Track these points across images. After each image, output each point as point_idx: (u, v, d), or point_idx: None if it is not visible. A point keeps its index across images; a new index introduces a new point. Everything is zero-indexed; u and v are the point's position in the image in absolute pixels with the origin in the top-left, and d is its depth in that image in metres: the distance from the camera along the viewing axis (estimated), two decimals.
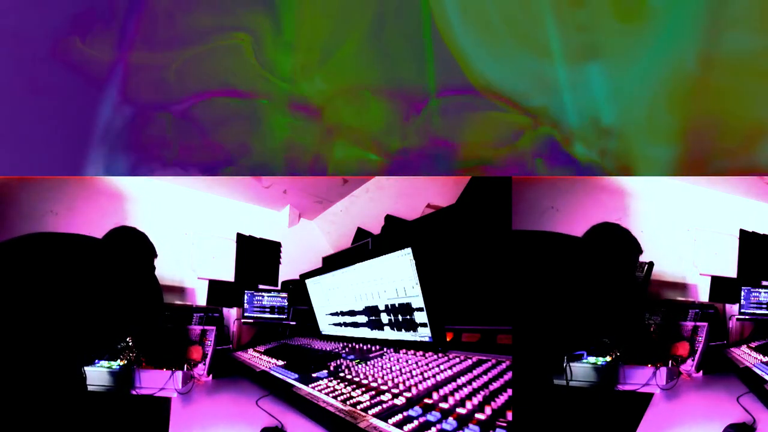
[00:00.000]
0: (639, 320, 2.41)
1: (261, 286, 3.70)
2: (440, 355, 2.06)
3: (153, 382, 2.59)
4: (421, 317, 2.25)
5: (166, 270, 2.89)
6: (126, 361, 2.59)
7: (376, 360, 2.17)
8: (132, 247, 2.08)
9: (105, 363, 2.57)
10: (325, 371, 2.07)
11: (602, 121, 1.96)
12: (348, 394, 1.64)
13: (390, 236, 3.31)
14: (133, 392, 2.56)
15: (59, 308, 1.72)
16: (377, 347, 2.51)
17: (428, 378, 1.66)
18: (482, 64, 1.99)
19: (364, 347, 2.59)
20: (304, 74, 2.04)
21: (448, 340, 2.25)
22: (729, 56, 1.93)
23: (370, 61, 2.06)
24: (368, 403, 1.50)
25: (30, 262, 1.78)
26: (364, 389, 1.67)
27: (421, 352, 2.16)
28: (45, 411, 1.74)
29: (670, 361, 2.42)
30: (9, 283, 1.72)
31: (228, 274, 3.59)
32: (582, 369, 2.35)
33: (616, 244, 1.90)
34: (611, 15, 1.94)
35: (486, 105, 2.01)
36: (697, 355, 2.47)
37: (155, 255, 2.13)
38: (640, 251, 1.93)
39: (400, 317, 2.40)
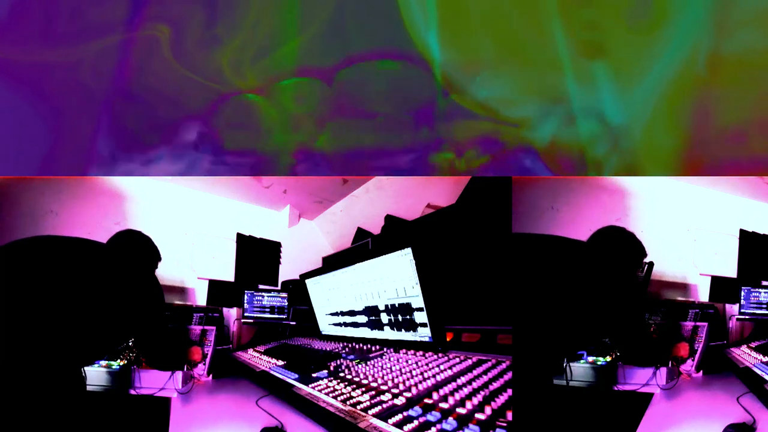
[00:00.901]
0: (639, 321, 2.41)
1: (261, 286, 3.70)
2: (440, 355, 2.06)
3: (153, 382, 2.59)
4: (421, 317, 2.25)
5: (166, 270, 2.89)
6: (126, 361, 2.59)
7: (376, 360, 2.17)
8: (136, 252, 2.08)
9: (105, 363, 2.57)
10: (325, 371, 2.06)
11: (607, 121, 1.95)
12: (348, 394, 1.64)
13: (390, 236, 3.31)
14: (133, 392, 2.56)
15: (62, 311, 1.72)
16: (377, 347, 2.51)
17: (428, 378, 1.66)
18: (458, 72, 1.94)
19: (364, 347, 2.59)
20: (234, 72, 1.90)
21: (448, 340, 2.25)
22: (736, 57, 1.92)
23: (323, 61, 1.93)
24: (368, 403, 1.50)
25: (35, 265, 1.79)
26: (364, 389, 1.67)
27: (421, 352, 2.16)
28: (45, 410, 1.74)
29: (670, 361, 2.42)
30: (14, 285, 1.72)
31: (228, 274, 3.59)
32: (582, 369, 2.35)
33: (620, 247, 1.90)
34: (618, 16, 1.92)
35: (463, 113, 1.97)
36: (697, 355, 2.47)
37: (159, 259, 2.13)
38: (645, 254, 1.93)
39: (399, 317, 2.40)
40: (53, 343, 1.70)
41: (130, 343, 2.61)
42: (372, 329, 2.68)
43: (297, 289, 3.61)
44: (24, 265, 1.78)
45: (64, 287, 1.75)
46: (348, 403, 1.54)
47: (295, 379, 2.02)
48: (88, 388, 2.46)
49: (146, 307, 2.00)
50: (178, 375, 2.62)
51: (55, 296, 1.72)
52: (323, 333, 3.36)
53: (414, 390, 1.55)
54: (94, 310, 1.77)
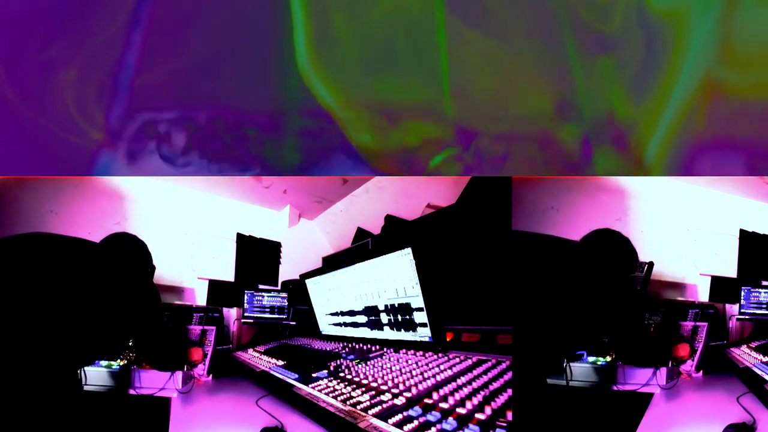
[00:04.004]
0: (637, 322, 2.41)
1: (261, 286, 3.70)
2: (440, 355, 2.06)
3: (153, 382, 2.59)
4: (420, 317, 2.25)
5: (165, 270, 2.89)
6: (126, 361, 2.59)
7: (376, 360, 2.17)
8: (126, 254, 2.07)
9: (105, 363, 2.57)
10: (325, 371, 2.06)
11: (613, 119, 1.93)
12: (348, 394, 1.64)
13: (390, 236, 3.31)
14: (133, 392, 2.56)
15: (49, 310, 1.71)
16: (377, 347, 2.51)
17: (428, 378, 1.66)
18: None
19: (364, 347, 2.59)
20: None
21: (448, 340, 2.25)
22: (746, 57, 1.92)
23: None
24: (368, 403, 1.50)
25: (22, 261, 1.77)
26: (364, 389, 1.67)
27: (421, 352, 2.16)
28: (36, 411, 1.73)
29: (670, 361, 2.42)
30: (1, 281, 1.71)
31: (228, 274, 3.59)
32: (582, 369, 2.35)
33: (609, 249, 1.91)
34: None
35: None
36: (697, 355, 2.47)
37: (149, 260, 2.12)
38: (636, 257, 1.93)
39: (399, 317, 2.40)
40: (39, 341, 1.69)
41: (131, 343, 2.61)
42: (372, 329, 2.68)
43: (297, 289, 3.61)
44: (10, 261, 1.76)
45: (51, 284, 1.74)
46: (348, 403, 1.54)
47: (295, 379, 2.02)
48: (89, 388, 2.47)
49: (138, 309, 1.99)
50: (178, 375, 2.62)
51: (42, 293, 1.71)
52: (323, 333, 3.36)
53: (414, 390, 1.55)
54: (81, 310, 1.77)
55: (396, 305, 2.40)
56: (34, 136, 1.66)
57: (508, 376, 1.58)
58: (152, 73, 1.72)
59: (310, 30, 1.72)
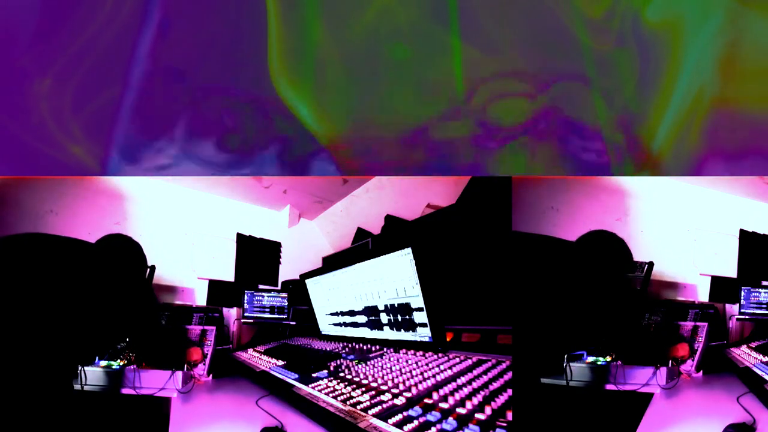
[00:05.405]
0: (634, 322, 2.41)
1: (261, 286, 3.70)
2: (440, 355, 2.06)
3: (153, 382, 2.59)
4: (420, 317, 2.25)
5: (165, 270, 2.89)
6: (126, 361, 2.59)
7: (376, 360, 2.17)
8: (120, 254, 2.07)
9: (104, 363, 2.57)
10: (325, 371, 2.06)
11: (621, 118, 1.93)
12: (348, 394, 1.64)
13: (390, 236, 3.31)
14: (133, 392, 2.56)
15: (44, 308, 1.71)
16: (377, 347, 2.51)
17: (428, 378, 1.66)
18: None
19: (364, 347, 2.59)
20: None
21: (448, 340, 2.25)
22: (754, 57, 1.91)
23: None
24: (368, 403, 1.50)
25: (17, 261, 1.78)
26: (364, 389, 1.67)
27: (421, 352, 2.16)
28: (30, 407, 1.73)
29: (670, 361, 2.42)
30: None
31: (228, 274, 3.59)
32: (582, 369, 2.35)
33: (604, 249, 1.91)
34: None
35: None
36: (697, 355, 2.47)
37: (145, 262, 2.12)
38: (630, 257, 1.94)
39: (399, 317, 2.40)
40: (33, 339, 1.70)
41: (129, 343, 2.61)
42: (372, 329, 2.68)
43: (297, 289, 3.61)
44: (5, 261, 1.77)
45: (43, 283, 1.74)
46: (348, 403, 1.54)
47: (295, 379, 2.02)
48: (88, 388, 2.46)
49: (131, 308, 1.99)
50: (178, 375, 2.62)
51: (35, 292, 1.72)
52: (323, 333, 3.36)
53: (414, 390, 1.55)
54: (74, 308, 1.77)
55: (396, 305, 2.40)
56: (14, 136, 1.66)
57: (508, 376, 1.58)
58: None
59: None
